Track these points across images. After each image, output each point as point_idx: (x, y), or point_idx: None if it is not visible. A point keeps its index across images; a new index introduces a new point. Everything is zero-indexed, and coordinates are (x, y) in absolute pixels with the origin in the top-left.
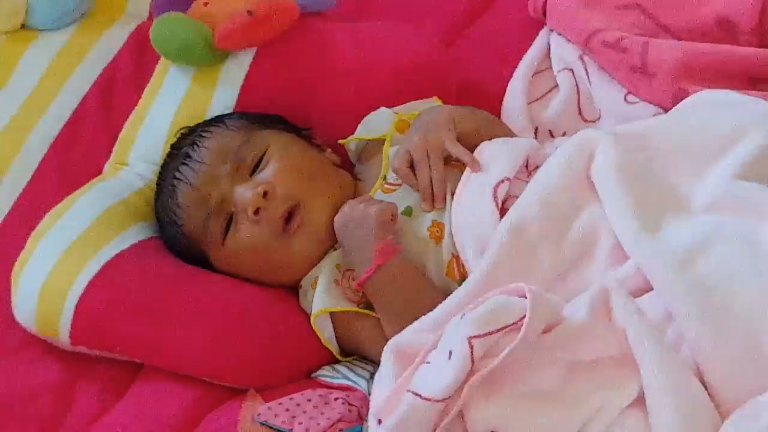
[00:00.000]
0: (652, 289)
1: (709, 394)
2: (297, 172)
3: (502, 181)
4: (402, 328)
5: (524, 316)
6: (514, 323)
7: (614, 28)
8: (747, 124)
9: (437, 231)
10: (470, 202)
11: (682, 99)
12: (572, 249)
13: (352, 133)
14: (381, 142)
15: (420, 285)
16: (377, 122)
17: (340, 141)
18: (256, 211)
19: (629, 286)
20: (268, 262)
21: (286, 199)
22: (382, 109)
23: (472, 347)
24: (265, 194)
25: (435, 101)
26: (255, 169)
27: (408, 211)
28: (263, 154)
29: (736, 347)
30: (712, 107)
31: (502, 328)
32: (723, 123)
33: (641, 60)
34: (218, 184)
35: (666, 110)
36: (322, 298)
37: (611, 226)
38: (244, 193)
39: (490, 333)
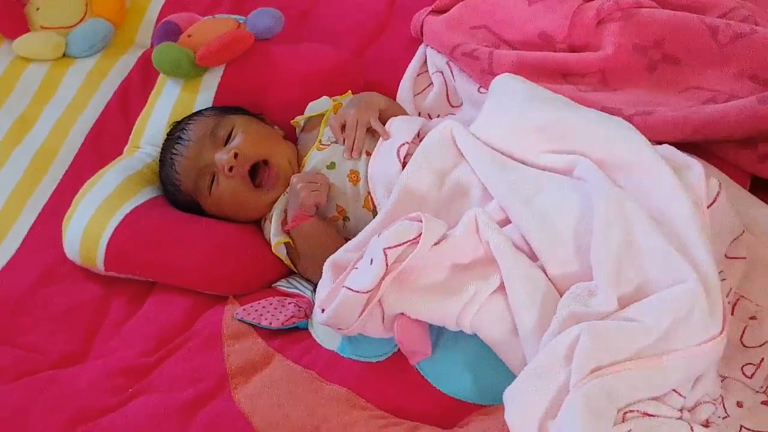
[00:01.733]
0: (510, 222)
1: (550, 281)
2: (256, 140)
3: (403, 144)
4: (314, 265)
5: (421, 233)
6: (414, 238)
7: (469, 42)
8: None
9: (354, 176)
10: (382, 158)
11: None
12: (450, 192)
13: (293, 117)
14: (320, 117)
15: (325, 236)
16: (319, 105)
17: (292, 121)
18: (230, 169)
19: (495, 219)
20: (240, 204)
21: (249, 158)
22: (324, 97)
23: (386, 255)
24: (235, 156)
25: (349, 95)
26: (227, 140)
27: (332, 166)
28: (231, 130)
29: (566, 251)
30: (519, 99)
31: (406, 242)
32: (530, 118)
33: (488, 64)
34: (202, 153)
35: None
36: (275, 234)
37: (477, 175)
38: (221, 157)
39: (399, 245)
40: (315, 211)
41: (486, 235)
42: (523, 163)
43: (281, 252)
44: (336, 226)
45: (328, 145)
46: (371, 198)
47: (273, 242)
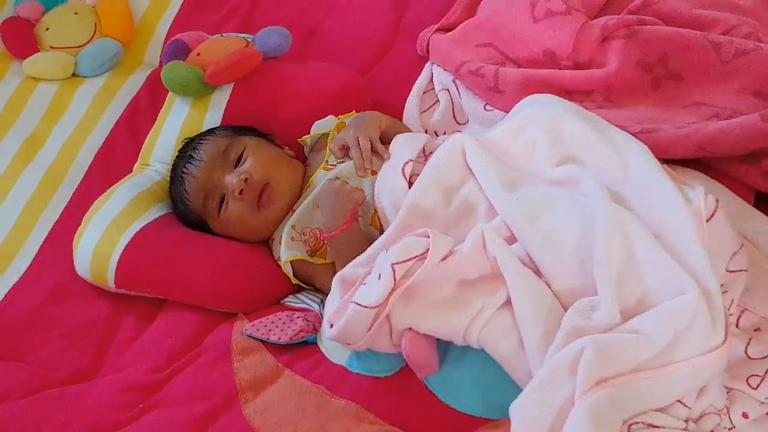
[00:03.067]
0: (515, 239)
1: (555, 296)
2: (266, 163)
3: (407, 162)
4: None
5: (428, 249)
6: (422, 254)
7: (475, 60)
8: (540, 129)
9: None
10: (387, 176)
11: None
12: (458, 210)
13: (301, 134)
14: (327, 137)
15: (362, 241)
16: (325, 124)
17: (299, 140)
18: (241, 192)
19: (501, 235)
20: (247, 226)
21: (260, 182)
22: (330, 116)
23: (394, 270)
24: (246, 180)
25: (353, 114)
26: (237, 162)
27: None
28: (242, 152)
29: (570, 267)
30: (522, 113)
31: (414, 257)
32: (526, 135)
33: (494, 82)
34: (213, 175)
35: None
36: (285, 252)
37: (485, 193)
38: (232, 180)
39: (406, 260)
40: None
41: (493, 251)
42: (533, 174)
43: (289, 270)
44: None
45: (334, 166)
46: (376, 215)
47: (283, 259)
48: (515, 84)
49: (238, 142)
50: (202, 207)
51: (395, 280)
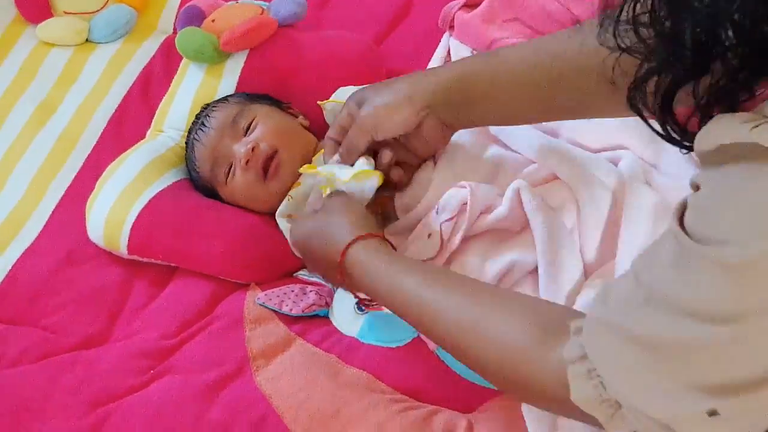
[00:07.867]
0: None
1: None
2: (275, 133)
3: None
4: None
5: (467, 203)
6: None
7: (506, 36)
8: None
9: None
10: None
11: None
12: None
13: (316, 102)
14: None
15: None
16: (346, 94)
17: (319, 102)
18: (247, 161)
19: (535, 178)
20: (253, 196)
21: (266, 151)
22: (351, 87)
23: (441, 229)
24: (253, 149)
25: None
26: (246, 131)
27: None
28: (252, 121)
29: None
30: None
31: (457, 214)
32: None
33: None
34: (221, 142)
35: None
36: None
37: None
38: (240, 149)
39: (451, 218)
40: None
41: (528, 210)
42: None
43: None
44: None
45: None
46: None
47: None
48: None
49: (249, 110)
50: (210, 174)
51: (442, 240)
